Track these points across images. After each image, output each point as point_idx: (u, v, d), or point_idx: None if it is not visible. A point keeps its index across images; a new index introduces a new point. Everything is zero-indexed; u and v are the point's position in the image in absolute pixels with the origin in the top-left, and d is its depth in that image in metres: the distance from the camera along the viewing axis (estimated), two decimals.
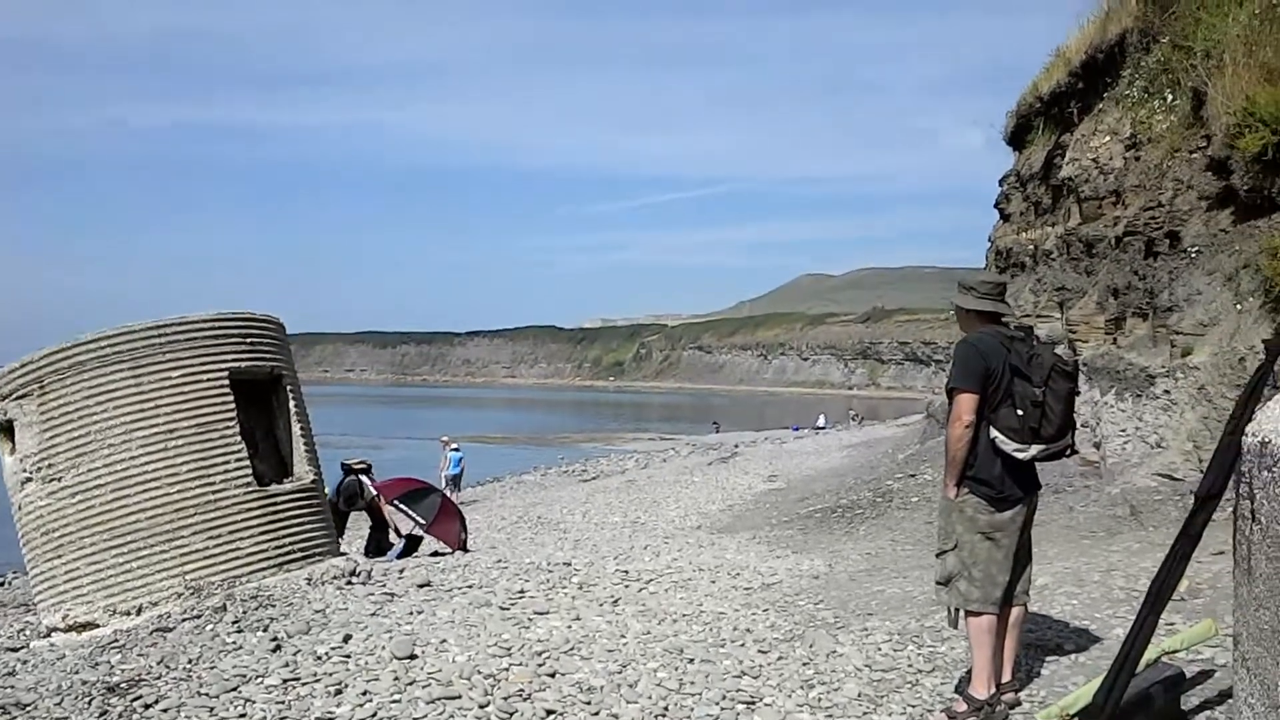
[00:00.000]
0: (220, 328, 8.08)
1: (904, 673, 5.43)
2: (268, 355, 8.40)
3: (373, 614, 6.71)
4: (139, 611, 7.36)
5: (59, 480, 7.54)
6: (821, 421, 55.43)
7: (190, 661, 5.85)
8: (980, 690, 4.51)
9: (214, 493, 7.65)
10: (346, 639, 6.10)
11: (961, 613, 4.59)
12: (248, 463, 7.89)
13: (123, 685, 5.48)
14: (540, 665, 5.61)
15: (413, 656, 5.73)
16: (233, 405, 7.90)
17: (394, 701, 5.09)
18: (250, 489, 7.82)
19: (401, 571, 8.42)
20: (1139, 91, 11.41)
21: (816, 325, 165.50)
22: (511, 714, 4.94)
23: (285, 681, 5.39)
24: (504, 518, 19.05)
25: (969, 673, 4.71)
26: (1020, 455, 4.42)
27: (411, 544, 12.59)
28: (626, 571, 8.66)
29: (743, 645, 6.09)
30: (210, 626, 6.58)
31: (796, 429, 52.86)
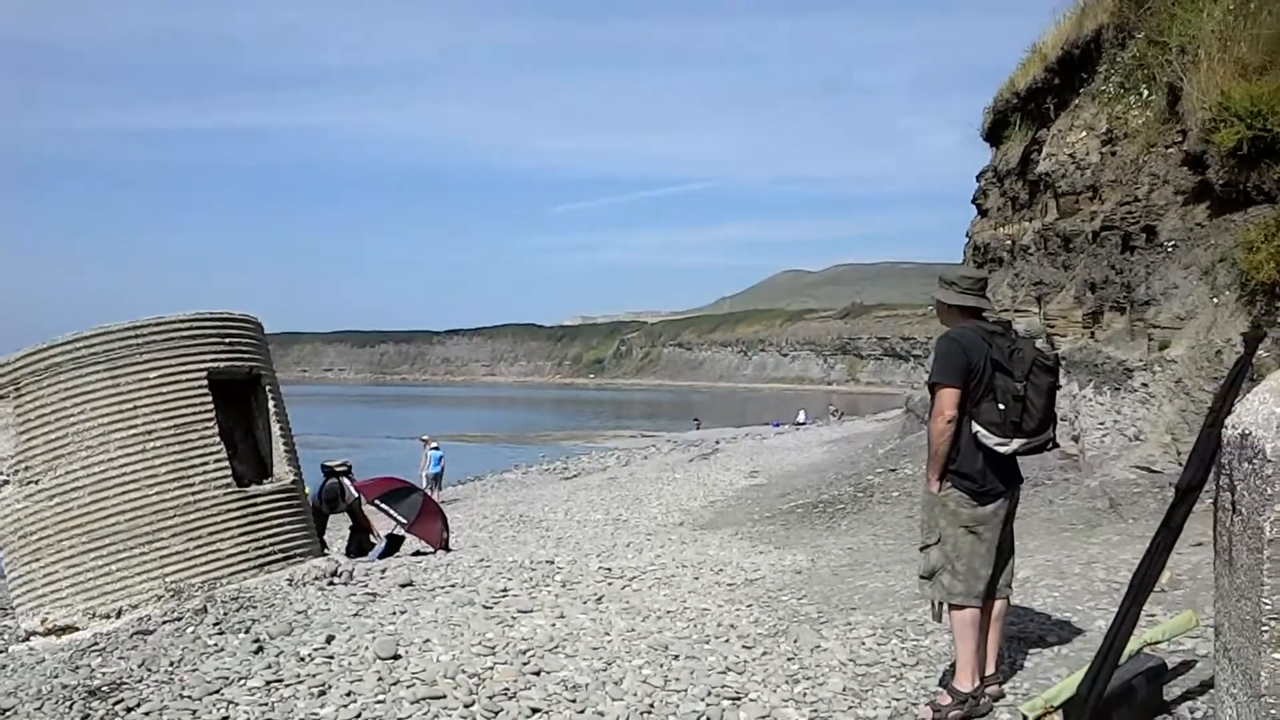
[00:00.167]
0: (198, 328, 8.02)
1: (888, 667, 5.44)
2: (246, 355, 8.35)
3: (355, 614, 6.68)
4: (119, 614, 7.30)
5: (36, 483, 7.47)
6: (802, 417, 55.57)
7: (172, 664, 5.80)
8: (964, 683, 4.53)
9: (193, 494, 7.59)
10: (329, 640, 6.06)
11: (945, 606, 4.61)
12: (227, 464, 7.83)
13: (104, 689, 5.43)
14: (525, 664, 5.60)
15: (396, 657, 5.70)
16: (211, 406, 7.85)
17: (378, 702, 5.07)
18: (230, 490, 7.77)
19: (383, 571, 8.39)
20: (1115, 87, 11.50)
21: (796, 321, 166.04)
22: (497, 713, 4.93)
23: (268, 683, 5.35)
24: (486, 516, 19.02)
25: (953, 666, 4.73)
26: (1002, 449, 4.44)
27: (393, 544, 12.54)
28: (609, 569, 8.66)
29: (727, 641, 6.09)
30: (191, 629, 6.53)
31: (777, 425, 53.01)
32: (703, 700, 5.02)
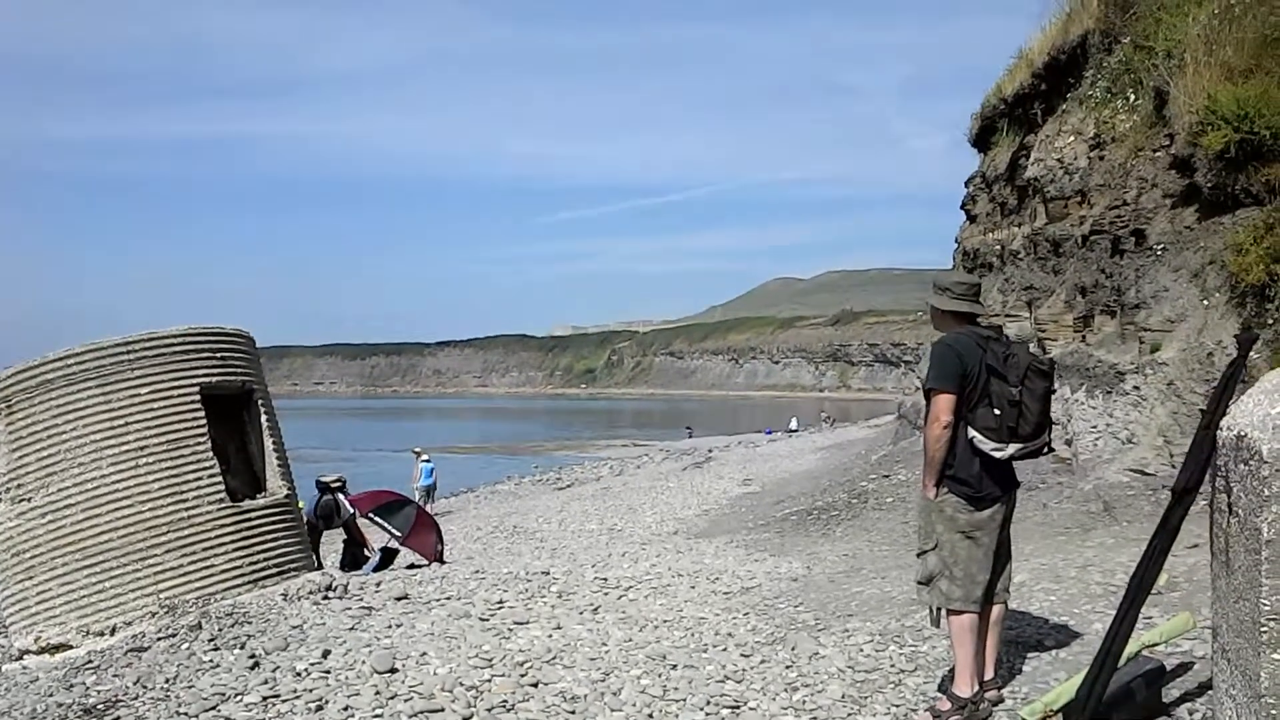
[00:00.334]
0: (190, 343, 8.00)
1: (887, 673, 5.44)
2: (239, 370, 8.32)
3: (351, 628, 6.65)
4: (113, 631, 7.26)
5: (29, 500, 7.43)
6: (794, 424, 55.62)
7: (167, 681, 5.77)
8: (963, 689, 4.53)
9: (187, 510, 7.56)
10: (325, 654, 6.04)
11: (943, 612, 4.61)
12: (220, 479, 7.81)
13: (99, 707, 5.40)
14: (522, 675, 5.58)
15: (393, 670, 5.68)
16: (204, 421, 7.82)
17: (376, 716, 5.05)
18: (223, 505, 7.74)
19: (378, 585, 8.35)
20: (1102, 92, 11.55)
21: (787, 328, 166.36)
22: None
23: (265, 699, 5.32)
24: (479, 528, 18.97)
25: (952, 671, 4.73)
26: (998, 454, 4.44)
27: (387, 557, 12.51)
28: (605, 579, 8.64)
29: (725, 650, 6.08)
30: (186, 645, 6.49)
31: (769, 432, 53.03)
32: (702, 710, 5.02)
